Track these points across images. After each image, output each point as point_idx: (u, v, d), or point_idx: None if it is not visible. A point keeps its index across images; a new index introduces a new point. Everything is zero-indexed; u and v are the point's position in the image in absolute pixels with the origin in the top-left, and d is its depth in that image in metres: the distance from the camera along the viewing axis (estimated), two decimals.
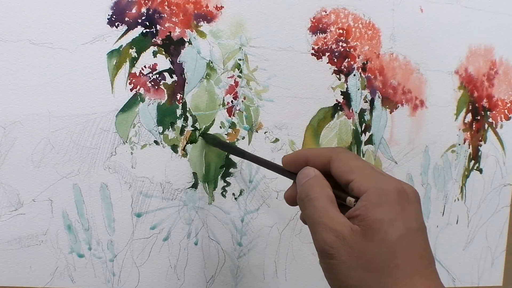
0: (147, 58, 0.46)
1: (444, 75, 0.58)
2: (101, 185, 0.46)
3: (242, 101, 0.50)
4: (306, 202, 0.33)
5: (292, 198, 0.36)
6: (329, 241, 0.30)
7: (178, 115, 0.48)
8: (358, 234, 0.30)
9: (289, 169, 0.37)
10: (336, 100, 0.53)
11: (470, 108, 0.60)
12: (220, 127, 0.49)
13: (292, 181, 0.37)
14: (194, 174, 0.48)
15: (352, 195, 0.32)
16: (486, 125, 0.61)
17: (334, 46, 0.53)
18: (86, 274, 0.46)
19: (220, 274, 0.50)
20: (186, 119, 0.48)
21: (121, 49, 0.46)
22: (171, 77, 0.47)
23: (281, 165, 0.38)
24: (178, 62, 0.47)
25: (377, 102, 0.55)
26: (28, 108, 0.44)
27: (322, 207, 0.31)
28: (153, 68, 0.47)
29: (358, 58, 0.54)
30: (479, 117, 0.60)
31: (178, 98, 0.47)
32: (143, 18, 0.46)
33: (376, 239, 0.29)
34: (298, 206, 0.35)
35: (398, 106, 0.56)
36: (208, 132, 0.48)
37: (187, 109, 0.48)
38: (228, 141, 0.49)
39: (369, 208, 0.30)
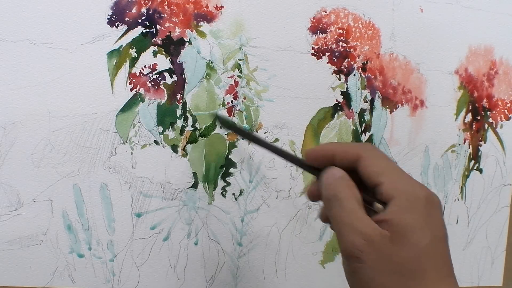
0: (147, 58, 0.46)
1: (444, 75, 0.58)
2: (101, 185, 0.46)
3: (242, 101, 0.50)
4: (334, 201, 0.32)
5: (314, 194, 0.35)
6: (358, 244, 0.30)
7: (178, 115, 0.48)
8: (387, 239, 0.29)
9: (312, 164, 0.35)
10: (336, 100, 0.53)
11: (470, 108, 0.60)
12: (220, 127, 0.49)
13: (315, 176, 0.35)
14: (194, 174, 0.48)
15: (378, 199, 0.31)
16: (486, 125, 0.61)
17: (334, 46, 0.53)
18: (86, 274, 0.46)
19: (220, 274, 0.50)
20: (186, 119, 0.48)
21: (121, 49, 0.46)
22: (171, 77, 0.47)
23: (304, 158, 0.36)
24: (178, 62, 0.47)
25: (377, 102, 0.55)
26: (28, 108, 0.44)
27: (351, 209, 0.31)
28: (153, 68, 0.47)
29: (358, 58, 0.54)
30: (479, 117, 0.60)
31: (178, 98, 0.47)
32: (143, 18, 0.46)
33: (405, 245, 0.29)
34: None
35: (398, 106, 0.56)
36: (224, 118, 0.47)
37: (187, 109, 0.48)
38: (242, 127, 0.47)
39: (399, 213, 0.30)
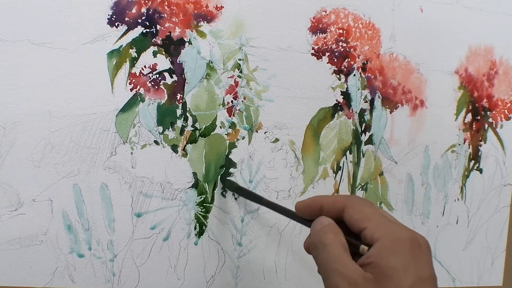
0: (147, 58, 0.46)
1: (444, 75, 0.58)
2: (101, 185, 0.46)
3: (242, 101, 0.50)
4: (320, 248, 0.33)
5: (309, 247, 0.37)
6: (342, 287, 0.30)
7: (178, 115, 0.48)
8: (371, 282, 0.30)
9: (303, 216, 0.37)
10: (336, 100, 0.53)
11: (470, 108, 0.60)
12: (220, 127, 0.49)
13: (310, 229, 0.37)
14: (194, 174, 0.48)
15: (364, 243, 0.32)
16: (486, 125, 0.61)
17: (334, 46, 0.53)
18: (86, 274, 0.46)
19: (220, 274, 0.50)
20: (186, 119, 0.48)
21: (121, 49, 0.46)
22: (171, 77, 0.47)
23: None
24: (178, 62, 0.47)
25: (377, 102, 0.55)
26: (28, 108, 0.44)
27: (336, 254, 0.32)
28: (153, 68, 0.47)
29: (358, 58, 0.54)
30: (479, 117, 0.60)
31: (178, 98, 0.47)
32: (143, 18, 0.46)
33: (389, 287, 0.30)
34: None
35: (398, 106, 0.56)
36: (228, 178, 0.49)
37: (187, 109, 0.48)
38: (247, 188, 0.50)
39: (382, 255, 0.30)
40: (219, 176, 0.49)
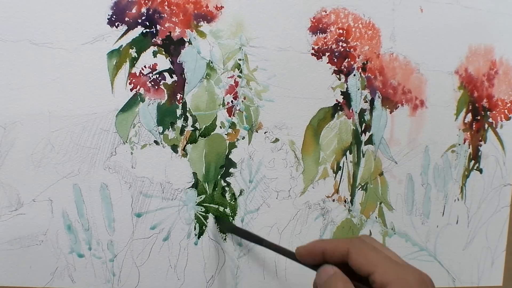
0: (147, 58, 0.46)
1: (444, 75, 0.58)
2: (101, 185, 0.46)
3: (242, 101, 0.50)
4: None
5: None
6: None
7: (178, 115, 0.48)
8: None
9: (305, 262, 0.37)
10: (336, 100, 0.53)
11: (470, 108, 0.60)
12: (220, 127, 0.49)
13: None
14: (194, 174, 0.48)
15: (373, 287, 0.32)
16: (486, 125, 0.61)
17: (334, 46, 0.53)
18: (86, 274, 0.46)
19: (220, 274, 0.50)
20: (186, 119, 0.48)
21: (121, 49, 0.46)
22: (171, 77, 0.47)
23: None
24: (178, 62, 0.47)
25: (377, 102, 0.55)
26: (28, 108, 0.44)
27: None
28: (153, 68, 0.47)
29: (358, 58, 0.54)
30: (479, 117, 0.60)
31: (178, 98, 0.47)
32: (143, 18, 0.46)
33: None
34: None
35: (398, 106, 0.56)
36: (224, 220, 0.49)
37: (187, 109, 0.48)
38: (244, 229, 0.49)
39: None
40: (214, 218, 0.49)
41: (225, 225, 0.49)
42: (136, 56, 0.46)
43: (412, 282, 0.32)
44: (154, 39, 0.46)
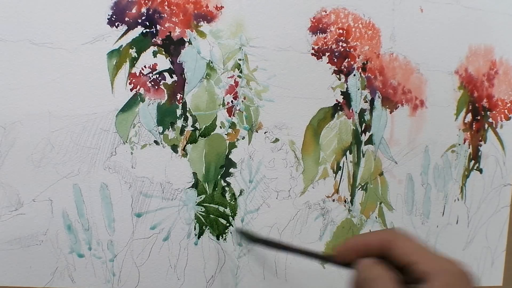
0: (147, 58, 0.46)
1: (444, 75, 0.58)
2: (101, 185, 0.46)
3: (242, 101, 0.50)
4: (370, 282, 0.32)
5: None
6: None
7: (178, 115, 0.48)
8: None
9: (344, 259, 0.36)
10: (336, 100, 0.53)
11: (470, 108, 0.60)
12: (220, 127, 0.49)
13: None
14: (194, 174, 0.48)
15: (414, 278, 0.32)
16: (486, 125, 0.61)
17: (334, 46, 0.53)
18: (86, 274, 0.46)
19: (220, 274, 0.50)
20: (186, 119, 0.48)
21: (121, 49, 0.46)
22: (171, 77, 0.47)
23: (332, 254, 0.37)
24: (178, 62, 0.47)
25: (377, 102, 0.55)
26: (28, 108, 0.44)
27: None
28: (153, 68, 0.47)
29: (358, 58, 0.54)
30: (479, 117, 0.60)
31: (178, 98, 0.47)
32: (143, 18, 0.46)
33: None
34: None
35: (398, 106, 0.56)
36: (248, 232, 0.48)
37: (187, 109, 0.48)
38: (270, 238, 0.48)
39: None
40: (238, 232, 0.48)
41: (249, 237, 0.48)
42: (136, 56, 0.46)
43: (456, 273, 0.32)
44: (154, 39, 0.46)
